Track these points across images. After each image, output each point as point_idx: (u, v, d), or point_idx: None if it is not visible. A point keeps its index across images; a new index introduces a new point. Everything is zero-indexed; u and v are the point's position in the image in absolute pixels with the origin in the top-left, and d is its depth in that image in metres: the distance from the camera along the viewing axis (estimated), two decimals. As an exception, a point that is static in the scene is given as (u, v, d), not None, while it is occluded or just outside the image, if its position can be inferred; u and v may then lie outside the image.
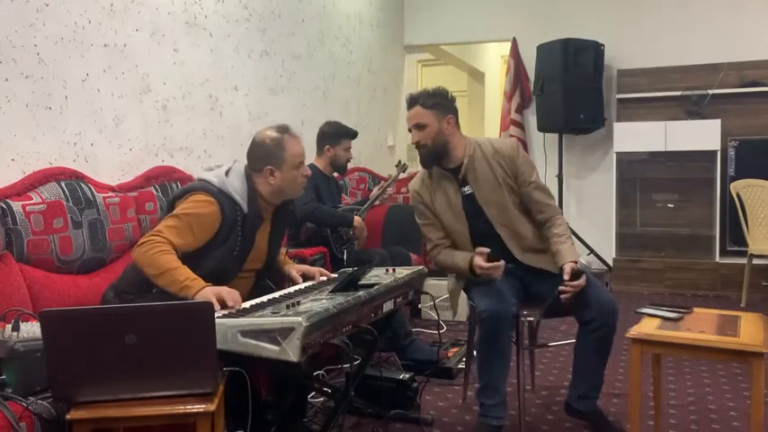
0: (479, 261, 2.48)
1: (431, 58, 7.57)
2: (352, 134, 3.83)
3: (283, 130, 2.37)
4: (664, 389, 2.94)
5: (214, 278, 2.12)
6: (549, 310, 2.52)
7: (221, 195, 2.23)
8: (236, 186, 2.27)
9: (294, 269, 2.49)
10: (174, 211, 2.20)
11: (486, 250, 2.49)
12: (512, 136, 5.79)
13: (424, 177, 2.73)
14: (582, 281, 2.42)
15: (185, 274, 2.08)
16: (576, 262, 2.48)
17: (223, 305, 1.98)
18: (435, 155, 2.64)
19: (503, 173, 2.63)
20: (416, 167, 6.93)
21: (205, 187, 2.23)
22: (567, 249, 2.54)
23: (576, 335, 2.58)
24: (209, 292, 2.00)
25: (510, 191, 2.63)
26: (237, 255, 2.28)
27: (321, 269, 2.54)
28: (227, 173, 2.29)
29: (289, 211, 2.51)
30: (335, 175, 3.92)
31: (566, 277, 2.41)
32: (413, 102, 2.64)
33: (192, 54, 3.48)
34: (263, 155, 2.34)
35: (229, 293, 2.01)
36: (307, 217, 3.52)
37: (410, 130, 2.65)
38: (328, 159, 3.76)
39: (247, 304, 2.02)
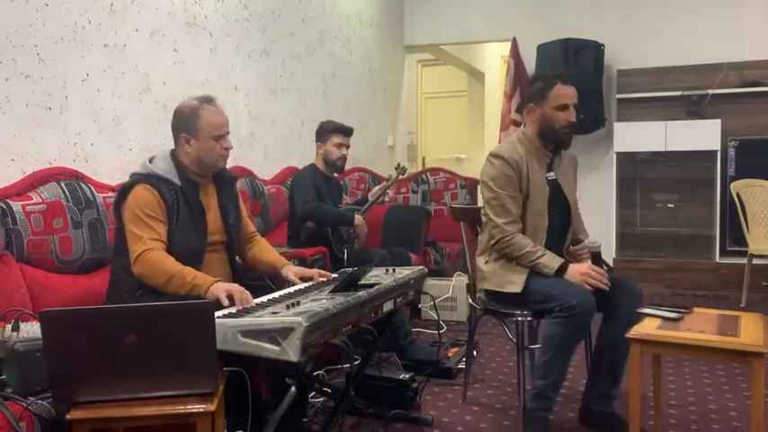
0: (586, 268, 2.48)
1: (431, 58, 7.57)
2: (342, 130, 3.77)
3: (204, 99, 2.35)
4: (664, 389, 2.94)
5: (187, 258, 2.19)
6: None
7: (152, 179, 2.26)
8: (161, 167, 2.30)
9: (291, 271, 2.49)
10: (127, 217, 2.21)
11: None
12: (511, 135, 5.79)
13: (516, 147, 2.64)
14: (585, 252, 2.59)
15: (192, 273, 2.13)
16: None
17: (233, 301, 2.02)
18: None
19: (572, 171, 2.79)
20: (415, 169, 6.95)
21: (136, 180, 2.27)
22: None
23: (600, 329, 2.56)
24: (219, 289, 2.05)
25: (575, 187, 2.77)
26: (194, 225, 2.31)
27: (319, 270, 2.54)
28: (151, 160, 2.33)
29: (229, 177, 2.53)
30: (335, 175, 3.91)
31: (584, 242, 2.59)
32: (571, 80, 2.63)
33: (192, 54, 3.48)
34: (178, 123, 2.36)
35: (242, 292, 2.05)
36: (307, 216, 3.52)
37: (563, 108, 2.57)
38: (321, 157, 3.76)
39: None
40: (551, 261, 2.52)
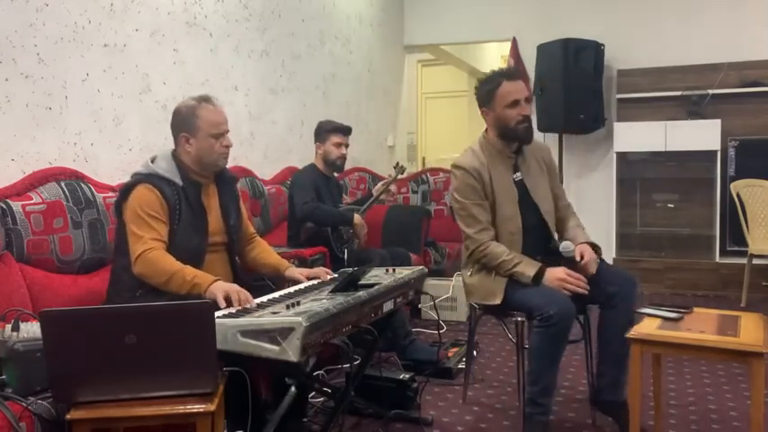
0: (562, 273, 2.44)
1: (431, 58, 7.57)
2: (341, 129, 3.77)
3: (202, 98, 2.36)
4: (664, 389, 2.94)
5: (188, 258, 2.19)
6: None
7: (153, 179, 2.27)
8: (163, 166, 2.31)
9: (297, 271, 2.50)
10: (128, 216, 2.22)
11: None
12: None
13: (478, 154, 2.63)
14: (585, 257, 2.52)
15: (192, 272, 2.13)
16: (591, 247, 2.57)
17: (229, 302, 2.02)
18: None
19: (543, 164, 2.74)
20: (415, 169, 6.95)
21: (137, 180, 2.27)
22: (581, 234, 2.68)
23: (599, 321, 2.56)
24: (217, 288, 2.05)
25: (548, 182, 2.73)
26: (195, 225, 2.31)
27: (325, 269, 2.54)
28: (152, 159, 2.34)
29: (230, 177, 2.54)
30: (335, 174, 3.91)
31: (577, 258, 2.50)
32: (518, 75, 2.63)
33: (192, 54, 3.48)
34: (177, 123, 2.37)
35: (239, 292, 2.05)
36: (307, 216, 3.51)
37: (514, 105, 2.56)
38: (321, 158, 3.76)
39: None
40: (527, 268, 2.49)
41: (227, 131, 2.39)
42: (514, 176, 2.65)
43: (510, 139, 2.63)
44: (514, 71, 2.64)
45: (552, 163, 2.80)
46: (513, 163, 2.66)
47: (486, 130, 2.69)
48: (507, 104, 2.57)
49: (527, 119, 2.59)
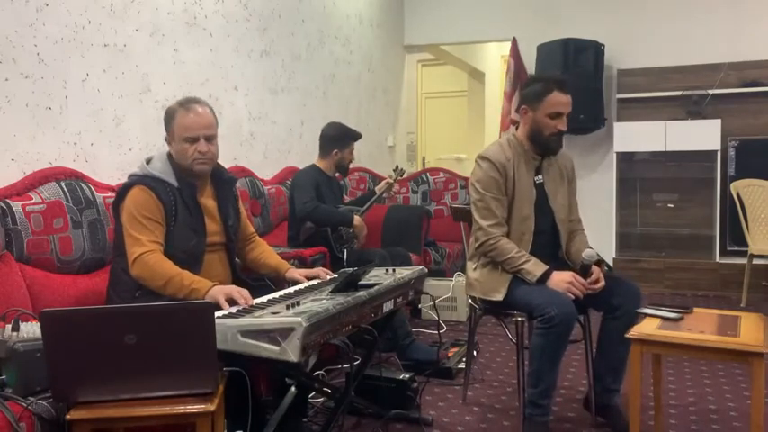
0: (570, 276, 2.45)
1: (431, 58, 7.58)
2: (358, 136, 3.88)
3: (186, 100, 2.34)
4: (664, 389, 2.94)
5: (186, 258, 2.19)
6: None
7: (148, 180, 2.26)
8: (158, 167, 2.30)
9: (297, 272, 2.50)
10: (124, 218, 2.22)
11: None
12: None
13: (505, 150, 2.62)
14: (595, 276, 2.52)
15: (190, 277, 2.12)
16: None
17: (233, 303, 2.01)
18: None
19: (565, 175, 2.74)
20: (415, 169, 6.92)
21: (133, 182, 2.27)
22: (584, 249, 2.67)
23: (600, 327, 2.59)
24: (217, 292, 2.05)
25: (567, 192, 2.73)
26: (192, 226, 2.30)
27: (323, 269, 2.54)
28: (148, 161, 2.34)
29: (229, 178, 2.52)
30: (337, 175, 3.92)
31: (593, 276, 2.50)
32: (568, 88, 2.58)
33: (192, 54, 3.48)
34: (164, 124, 2.37)
35: (239, 291, 2.04)
36: (306, 216, 3.52)
37: (555, 116, 2.55)
38: (334, 162, 3.77)
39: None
40: (534, 268, 2.50)
41: (206, 137, 2.30)
42: (536, 179, 2.65)
43: (537, 145, 2.62)
44: (565, 83, 2.60)
45: (574, 175, 2.80)
46: (536, 165, 2.66)
47: (517, 128, 2.70)
48: (549, 114, 2.55)
49: (561, 133, 2.58)
